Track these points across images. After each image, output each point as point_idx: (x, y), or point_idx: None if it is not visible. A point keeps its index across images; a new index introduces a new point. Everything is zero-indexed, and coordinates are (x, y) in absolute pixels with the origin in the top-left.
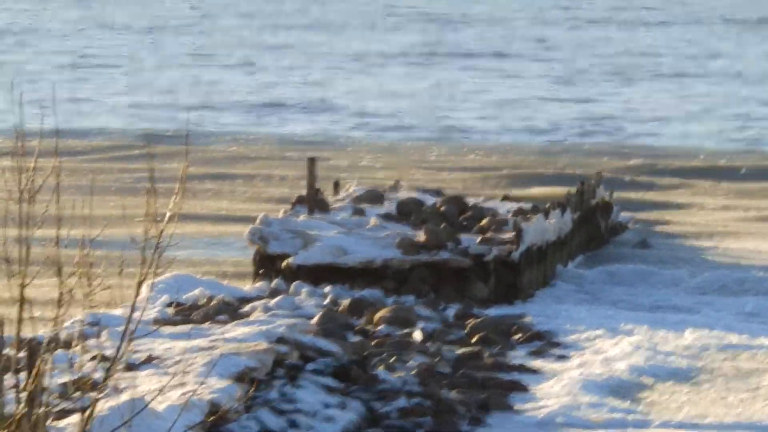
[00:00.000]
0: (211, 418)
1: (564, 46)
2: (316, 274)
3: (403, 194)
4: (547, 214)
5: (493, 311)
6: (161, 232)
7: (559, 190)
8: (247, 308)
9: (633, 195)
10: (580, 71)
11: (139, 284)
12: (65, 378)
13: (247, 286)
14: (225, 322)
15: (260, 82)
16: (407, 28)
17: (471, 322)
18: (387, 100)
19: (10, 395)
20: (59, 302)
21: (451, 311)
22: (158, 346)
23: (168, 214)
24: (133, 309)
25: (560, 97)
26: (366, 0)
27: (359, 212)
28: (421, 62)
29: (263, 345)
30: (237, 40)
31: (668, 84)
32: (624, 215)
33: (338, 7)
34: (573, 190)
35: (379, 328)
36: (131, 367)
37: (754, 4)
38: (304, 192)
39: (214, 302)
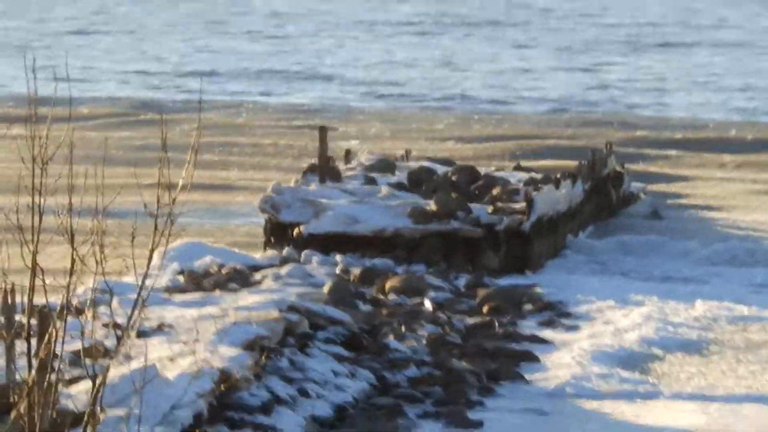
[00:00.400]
0: (222, 386)
1: (570, 15)
2: (327, 243)
3: (414, 163)
4: (557, 184)
5: (503, 281)
6: (173, 200)
7: (566, 163)
8: (257, 276)
9: (640, 166)
10: (586, 41)
11: (151, 252)
12: (77, 345)
13: (258, 255)
14: (236, 291)
15: (267, 50)
16: None
17: (482, 292)
18: (394, 69)
19: (22, 362)
20: (71, 269)
21: (462, 281)
22: (169, 314)
23: (180, 182)
24: (145, 277)
25: (566, 67)
26: None
27: (371, 181)
28: (428, 31)
29: (274, 313)
30: (245, 8)
31: (673, 54)
32: (635, 185)
33: None
34: (581, 162)
35: (390, 297)
36: (142, 334)
37: None
38: (311, 161)
39: (225, 270)
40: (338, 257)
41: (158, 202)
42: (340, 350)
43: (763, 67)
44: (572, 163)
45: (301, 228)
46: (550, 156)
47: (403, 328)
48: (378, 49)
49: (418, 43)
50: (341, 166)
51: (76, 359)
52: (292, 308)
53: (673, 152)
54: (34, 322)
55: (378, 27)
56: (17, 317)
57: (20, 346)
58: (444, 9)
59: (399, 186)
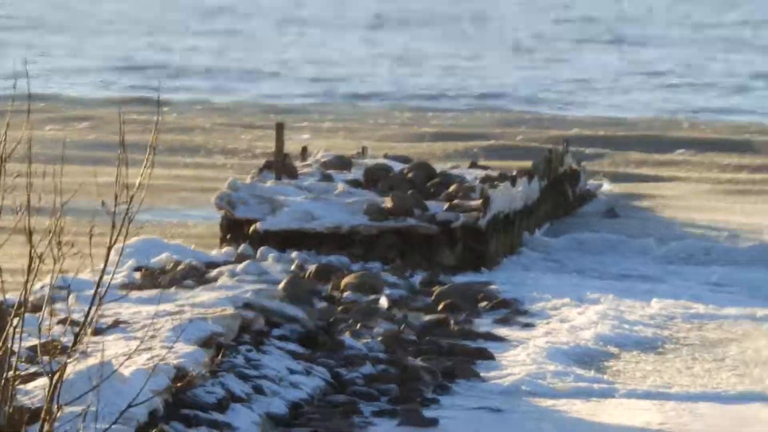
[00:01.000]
0: (178, 384)
1: (516, 12)
2: (284, 240)
3: (371, 161)
4: (514, 182)
5: (459, 278)
6: (131, 198)
7: (518, 164)
8: (213, 273)
9: (596, 165)
10: (533, 37)
11: (109, 249)
12: (33, 342)
13: (214, 251)
14: (192, 287)
15: (217, 47)
16: None
17: (437, 289)
18: (347, 66)
19: None
20: (29, 267)
21: (418, 278)
22: (125, 311)
23: (138, 180)
24: (102, 273)
25: (514, 64)
26: None
27: (327, 178)
28: (380, 28)
29: (229, 310)
30: (191, 4)
31: (626, 50)
32: (592, 183)
33: None
34: (537, 159)
35: (346, 294)
36: (98, 331)
37: None
38: (268, 157)
39: (181, 267)
40: (294, 254)
41: (116, 199)
42: (295, 347)
43: (714, 64)
44: (523, 164)
45: (257, 225)
46: (505, 157)
47: (358, 326)
48: (332, 46)
49: (372, 39)
50: (297, 163)
51: (33, 356)
52: (247, 305)
53: (629, 151)
54: None
55: (332, 23)
56: None
57: None
58: (400, 5)
59: (355, 183)
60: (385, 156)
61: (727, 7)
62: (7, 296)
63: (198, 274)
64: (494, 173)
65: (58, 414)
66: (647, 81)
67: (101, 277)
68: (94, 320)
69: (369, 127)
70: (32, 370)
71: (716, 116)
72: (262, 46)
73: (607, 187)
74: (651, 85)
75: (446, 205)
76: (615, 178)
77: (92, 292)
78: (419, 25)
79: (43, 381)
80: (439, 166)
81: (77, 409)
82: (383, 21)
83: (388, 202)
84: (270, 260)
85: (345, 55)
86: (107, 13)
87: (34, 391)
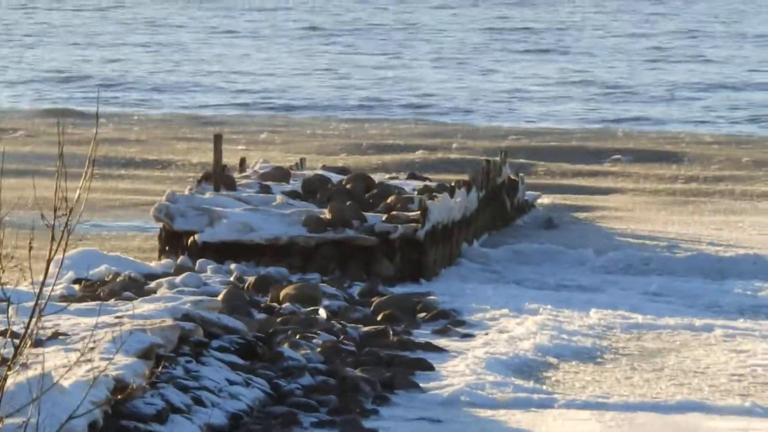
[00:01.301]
0: (118, 395)
1: (450, 24)
2: (222, 251)
3: (309, 172)
4: (452, 193)
5: (398, 289)
6: (70, 210)
7: (450, 176)
8: (153, 285)
9: (533, 176)
10: (467, 47)
11: (48, 261)
12: None
13: (154, 263)
14: (131, 299)
15: (157, 60)
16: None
17: (376, 300)
18: (281, 77)
19: None
20: None
21: (357, 289)
22: (64, 323)
23: (78, 192)
24: (42, 285)
25: (448, 74)
26: None
27: (265, 189)
28: (313, 39)
29: (169, 322)
30: (123, 16)
31: (551, 61)
32: (530, 194)
33: None
34: (475, 170)
35: (285, 305)
36: (38, 343)
37: None
38: (206, 169)
39: (120, 278)
40: (233, 266)
41: (55, 212)
42: (234, 358)
43: (646, 74)
44: (459, 176)
45: (196, 236)
46: (440, 168)
47: (297, 337)
48: (266, 57)
49: (306, 50)
50: (236, 174)
51: None
52: (186, 316)
53: (564, 162)
54: None
55: (264, 35)
56: None
57: None
58: (333, 17)
59: (294, 194)
60: (324, 167)
61: (658, 18)
62: None
63: (137, 286)
64: (433, 184)
65: None
66: (582, 91)
67: (41, 289)
68: (34, 332)
69: (305, 139)
70: None
71: (650, 126)
72: (195, 58)
73: (544, 198)
74: (586, 95)
75: (385, 217)
76: (551, 188)
77: (32, 303)
78: (353, 35)
79: None
80: (377, 177)
81: (17, 420)
82: (316, 32)
83: (326, 214)
84: (209, 272)
85: (279, 66)
86: (39, 24)
87: None
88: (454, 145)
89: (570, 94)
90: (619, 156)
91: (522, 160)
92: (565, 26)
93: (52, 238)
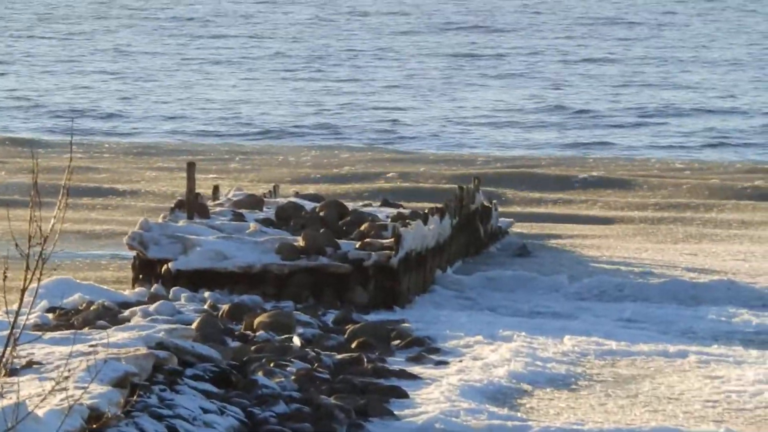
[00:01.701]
0: (93, 424)
1: (416, 50)
2: (196, 279)
3: (282, 199)
4: (426, 220)
5: (372, 317)
6: (45, 239)
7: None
8: (126, 313)
9: (505, 204)
10: (434, 73)
11: (23, 291)
12: None
13: (127, 291)
14: (105, 327)
15: (126, 88)
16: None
17: (350, 327)
18: (250, 104)
19: None
20: None
21: (331, 316)
22: (39, 351)
23: (52, 222)
24: (17, 315)
25: (415, 100)
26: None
27: (239, 217)
28: (281, 66)
29: (143, 350)
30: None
31: (518, 87)
32: (503, 221)
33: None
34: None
35: (259, 333)
36: (12, 372)
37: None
38: (179, 197)
39: (94, 307)
40: (207, 294)
41: (29, 241)
42: (208, 387)
43: (614, 100)
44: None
45: (170, 264)
46: (411, 195)
47: (272, 365)
48: (233, 84)
49: (273, 77)
50: (209, 202)
51: None
52: (160, 345)
53: (532, 190)
54: None
55: (233, 62)
56: None
57: None
58: (303, 43)
59: (267, 222)
60: (297, 194)
61: (628, 43)
62: None
63: (111, 315)
64: (406, 211)
65: None
66: (551, 117)
67: (16, 318)
68: (8, 361)
69: (276, 166)
70: None
71: (619, 152)
72: (163, 85)
73: (517, 225)
74: (556, 120)
75: (358, 244)
76: (522, 216)
77: (6, 332)
78: (320, 62)
79: None
80: (350, 205)
81: None
82: (284, 58)
83: (300, 241)
84: (183, 300)
85: (248, 94)
86: (6, 51)
87: None
88: (422, 169)
89: (541, 120)
90: (586, 185)
91: (490, 188)
92: (534, 51)
93: (27, 267)
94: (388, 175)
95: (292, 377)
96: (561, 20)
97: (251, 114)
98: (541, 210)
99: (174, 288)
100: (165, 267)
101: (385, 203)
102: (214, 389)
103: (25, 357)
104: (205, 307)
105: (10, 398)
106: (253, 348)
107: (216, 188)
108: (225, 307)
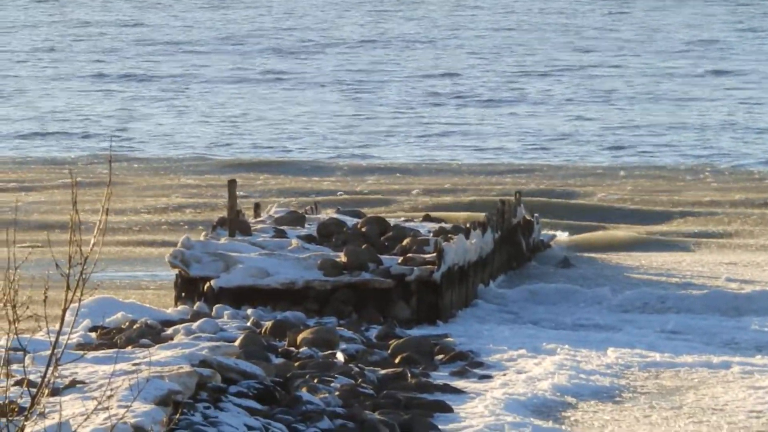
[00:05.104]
0: None
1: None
2: (238, 297)
3: (324, 216)
4: (468, 234)
5: (415, 332)
6: (86, 258)
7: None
8: (169, 331)
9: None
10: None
11: (64, 311)
12: None
13: (170, 309)
14: (148, 346)
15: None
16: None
17: (393, 342)
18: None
19: None
20: None
21: (374, 332)
22: (81, 371)
23: (93, 240)
24: (59, 334)
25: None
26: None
27: (280, 234)
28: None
29: (186, 368)
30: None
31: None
32: (545, 234)
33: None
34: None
35: (302, 349)
36: (55, 392)
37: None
38: (221, 215)
39: (136, 326)
40: (249, 311)
41: (69, 260)
42: (252, 404)
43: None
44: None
45: (212, 282)
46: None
47: (315, 381)
48: (234, 101)
49: (269, 97)
50: (250, 219)
51: None
52: (204, 362)
53: (574, 200)
54: None
55: (229, 79)
56: None
57: None
58: (299, 65)
59: (309, 238)
60: (338, 211)
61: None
62: None
63: (154, 333)
64: (448, 226)
65: None
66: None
67: (57, 338)
68: (51, 381)
69: (312, 184)
70: None
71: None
72: (192, 103)
73: (560, 237)
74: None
75: (400, 259)
76: (565, 227)
77: (48, 352)
78: (314, 84)
79: None
80: (392, 220)
81: None
82: (284, 80)
83: (342, 257)
84: (225, 317)
85: (263, 113)
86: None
87: None
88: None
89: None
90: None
91: (535, 199)
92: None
93: (67, 287)
94: (421, 190)
95: (336, 393)
96: None
97: (284, 133)
98: (578, 222)
99: (216, 305)
100: (207, 285)
101: (427, 218)
102: (258, 406)
103: (68, 377)
104: (248, 324)
105: (54, 418)
106: (296, 364)
107: (257, 205)
108: (268, 323)
